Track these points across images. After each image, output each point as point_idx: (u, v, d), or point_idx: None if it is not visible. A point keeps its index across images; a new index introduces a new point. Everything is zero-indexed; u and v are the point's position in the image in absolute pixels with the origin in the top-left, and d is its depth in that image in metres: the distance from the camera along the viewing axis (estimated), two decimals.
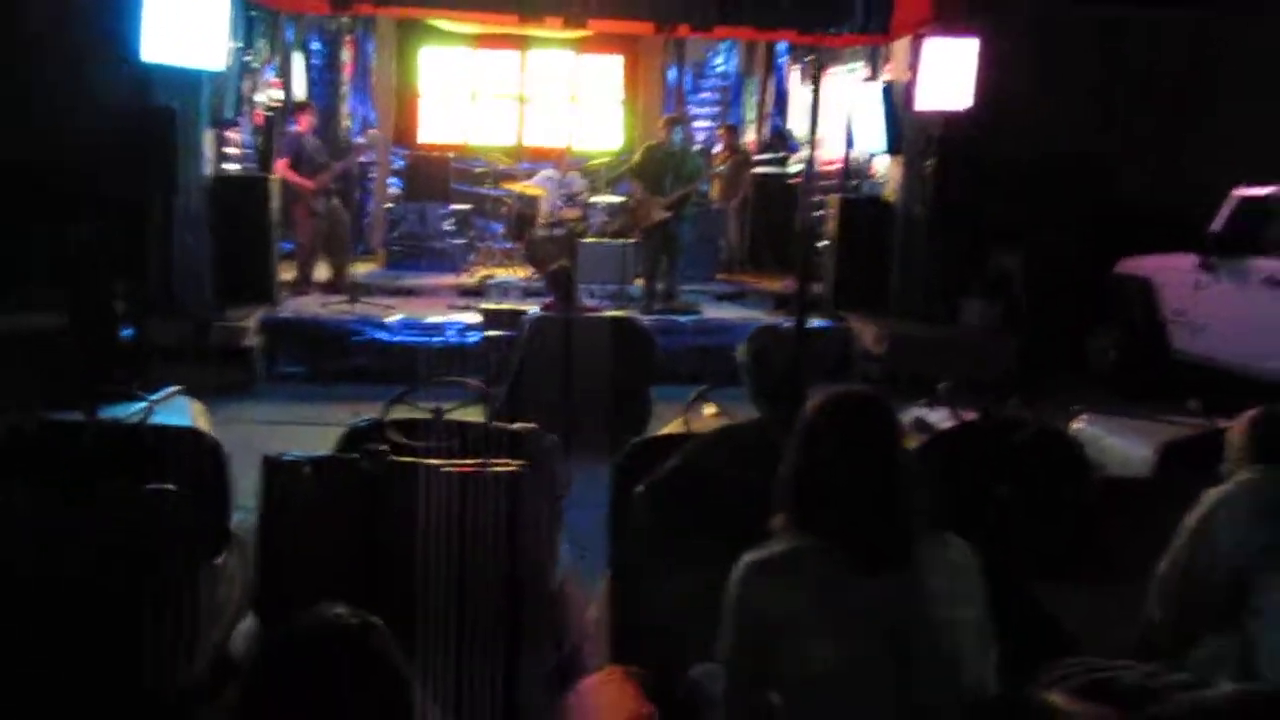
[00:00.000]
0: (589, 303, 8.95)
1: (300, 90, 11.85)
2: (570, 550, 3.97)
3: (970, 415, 3.89)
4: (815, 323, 9.12)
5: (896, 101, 9.03)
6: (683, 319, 8.87)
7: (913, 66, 8.82)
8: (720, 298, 10.33)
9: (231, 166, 9.43)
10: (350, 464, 3.18)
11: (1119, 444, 4.50)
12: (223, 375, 7.51)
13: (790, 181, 11.74)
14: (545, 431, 4.01)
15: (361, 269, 11.13)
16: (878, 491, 2.02)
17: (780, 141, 12.34)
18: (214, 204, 8.37)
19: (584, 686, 2.37)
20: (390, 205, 11.55)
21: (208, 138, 8.39)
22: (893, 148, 9.14)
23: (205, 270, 8.14)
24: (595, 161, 11.88)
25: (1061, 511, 3.72)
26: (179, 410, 4.28)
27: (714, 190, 12.27)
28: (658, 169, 9.30)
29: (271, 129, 10.45)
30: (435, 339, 8.29)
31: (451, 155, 11.89)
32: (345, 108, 12.47)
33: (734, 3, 8.36)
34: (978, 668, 2.02)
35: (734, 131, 12.30)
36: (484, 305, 8.08)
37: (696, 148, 13.00)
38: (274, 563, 3.31)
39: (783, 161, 12.12)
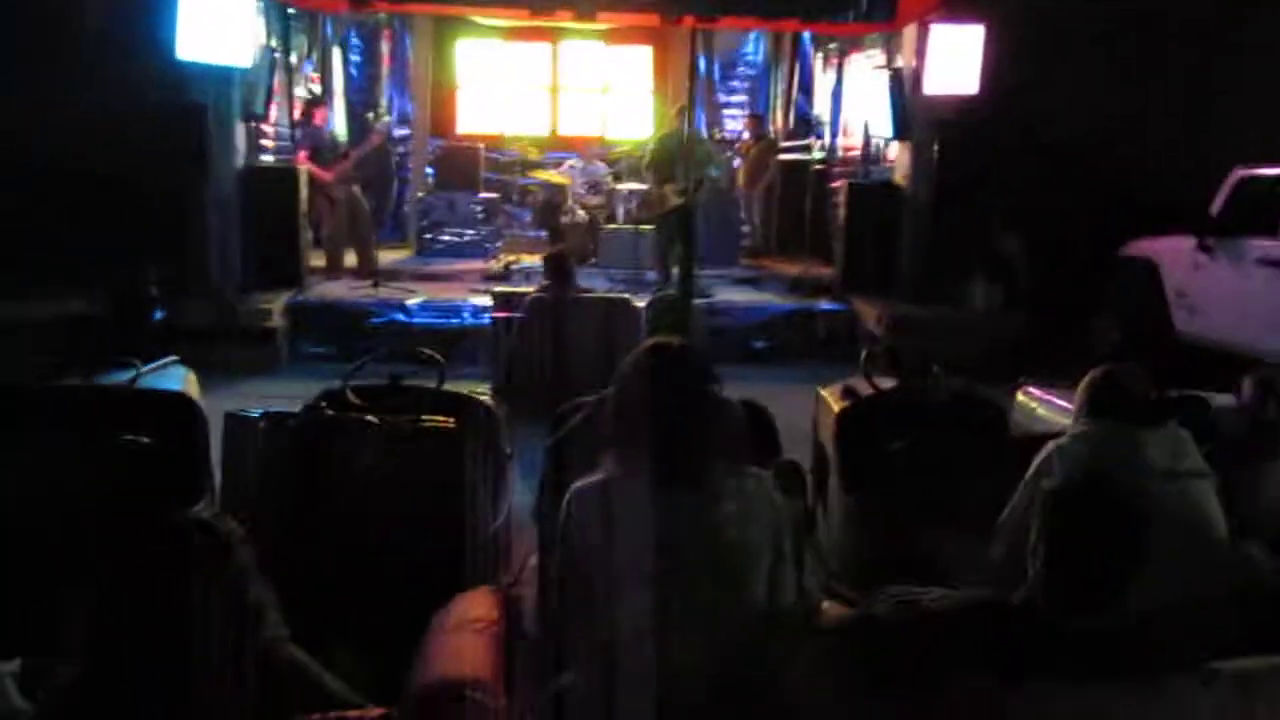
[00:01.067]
0: (598, 286, 9.30)
1: (339, 84, 12.35)
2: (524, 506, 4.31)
3: (888, 383, 4.14)
4: (822, 305, 9.38)
5: (904, 88, 9.19)
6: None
7: (919, 53, 8.98)
8: (738, 281, 10.57)
9: (268, 158, 9.94)
10: (293, 418, 3.54)
11: (1051, 412, 4.71)
12: (249, 355, 7.98)
13: (815, 167, 11.94)
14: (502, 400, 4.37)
15: (394, 255, 11.59)
16: (673, 425, 2.30)
17: (805, 128, 12.52)
18: (246, 193, 8.84)
19: (454, 603, 2.68)
20: (421, 195, 11.98)
21: (239, 131, 8.86)
22: (900, 133, 9.31)
23: (236, 256, 8.61)
24: (619, 150, 12.18)
25: (973, 467, 3.96)
26: (174, 378, 4.70)
27: (739, 177, 12.55)
28: (670, 157, 9.58)
29: (309, 121, 10.92)
30: (452, 320, 8.67)
31: (482, 145, 12.27)
32: (383, 100, 12.94)
33: None
34: (766, 584, 2.30)
35: (759, 119, 12.52)
36: (495, 289, 8.41)
37: (727, 136, 13.27)
38: (232, 507, 3.69)
39: (807, 148, 12.31)
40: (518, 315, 7.27)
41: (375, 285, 9.16)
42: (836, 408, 4.23)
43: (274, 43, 9.82)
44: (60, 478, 3.64)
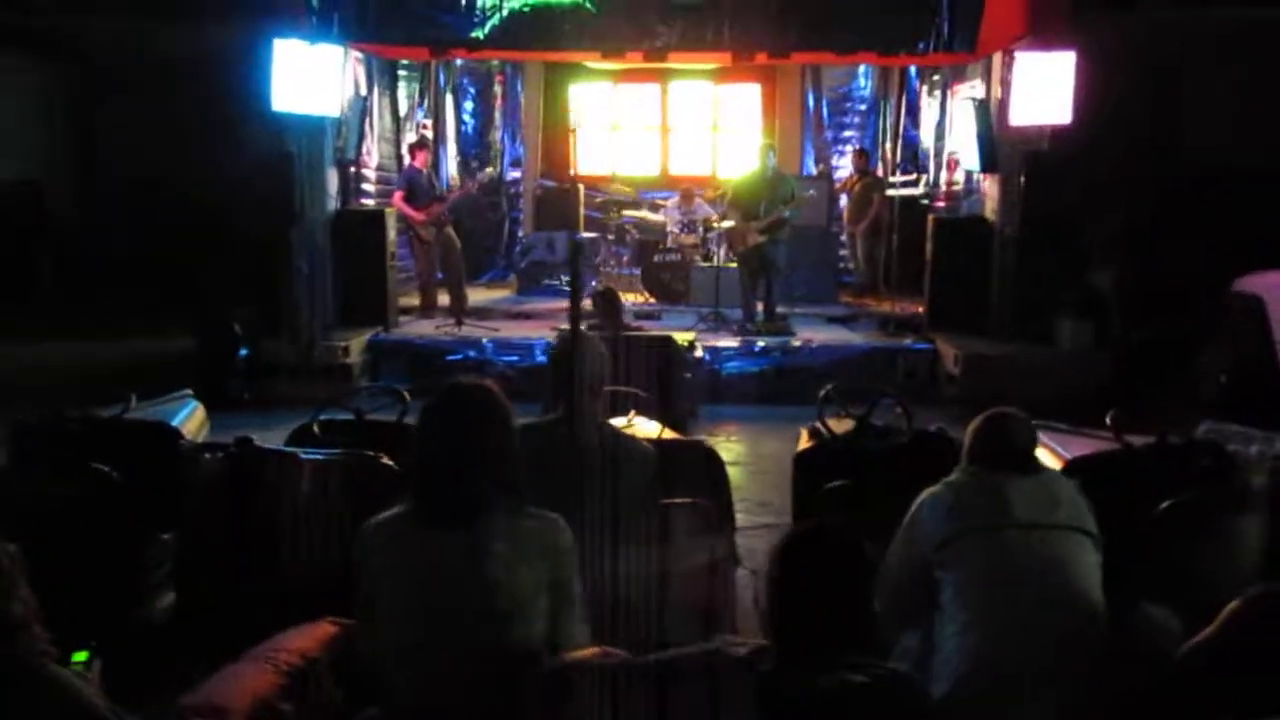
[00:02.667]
0: (682, 324, 9.34)
1: (450, 129, 12.84)
2: None
3: (844, 423, 3.99)
4: (905, 344, 9.08)
5: (991, 118, 8.87)
6: (763, 341, 9.00)
7: (1004, 82, 8.66)
8: (831, 320, 10.36)
9: (369, 201, 10.38)
10: (224, 453, 3.67)
11: (1044, 455, 4.43)
12: (325, 390, 8.30)
13: (919, 203, 11.63)
14: None
15: (495, 294, 11.92)
16: (448, 464, 2.30)
17: (912, 163, 12.21)
18: (337, 236, 9.26)
19: (285, 633, 2.72)
20: (523, 235, 12.26)
21: (331, 176, 9.29)
22: (987, 165, 8.97)
23: (325, 296, 8.99)
24: (717, 190, 12.17)
25: None
26: (182, 411, 4.95)
27: (845, 213, 12.35)
28: (752, 194, 9.51)
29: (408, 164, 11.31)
30: (524, 358, 8.81)
31: (583, 185, 12.49)
32: (496, 144, 13.35)
33: (811, 29, 8.46)
34: (535, 625, 2.25)
35: (864, 155, 12.28)
36: (559, 327, 8.51)
37: (840, 173, 13.05)
38: (185, 540, 3.86)
39: (914, 183, 12.00)
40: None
41: (459, 324, 9.41)
42: (796, 450, 4.11)
43: (370, 91, 10.31)
44: (39, 502, 3.88)
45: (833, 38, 8.54)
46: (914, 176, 12.03)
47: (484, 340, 9.06)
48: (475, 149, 13.26)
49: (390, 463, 3.76)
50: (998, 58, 8.87)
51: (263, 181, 8.90)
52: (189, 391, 5.11)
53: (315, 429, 4.20)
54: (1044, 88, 8.43)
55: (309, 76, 8.68)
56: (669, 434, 4.47)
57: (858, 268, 12.27)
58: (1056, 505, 2.62)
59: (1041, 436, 4.66)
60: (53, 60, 11.56)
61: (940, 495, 2.70)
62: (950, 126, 11.04)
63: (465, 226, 10.69)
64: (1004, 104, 8.72)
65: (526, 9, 8.58)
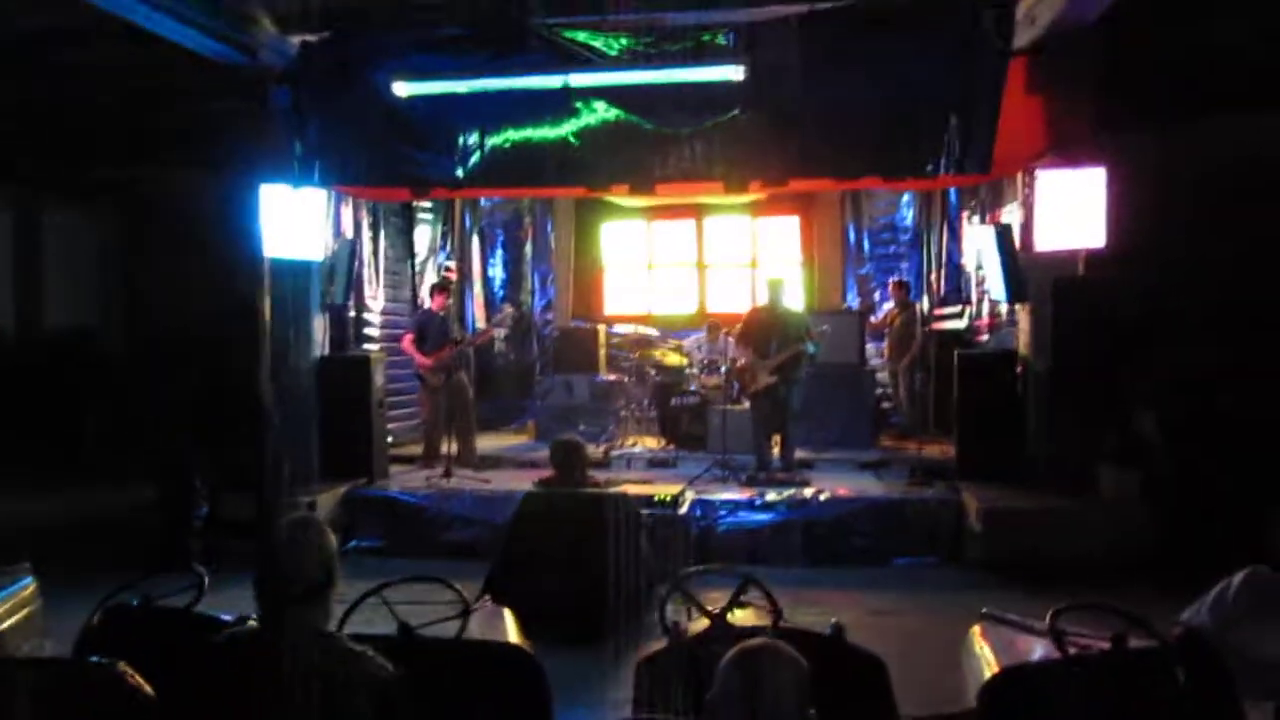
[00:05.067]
0: (692, 472, 8.62)
1: (476, 271, 12.53)
2: None
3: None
4: (929, 495, 8.13)
5: (1013, 244, 8.07)
6: (771, 493, 8.14)
7: (1026, 204, 7.90)
8: (862, 466, 9.46)
9: (373, 346, 10.00)
10: None
11: (984, 658, 3.54)
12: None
13: (966, 336, 10.76)
14: None
15: (514, 440, 11.35)
16: None
17: (957, 294, 11.38)
18: (323, 383, 8.83)
19: None
20: (539, 378, 11.75)
21: (319, 322, 8.93)
22: (1014, 295, 8.12)
23: (304, 446, 8.52)
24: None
25: None
26: (16, 585, 4.42)
27: (886, 350, 11.54)
28: (763, 332, 8.82)
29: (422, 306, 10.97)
30: (498, 516, 8.10)
31: (603, 326, 11.98)
32: (527, 286, 12.98)
33: (809, 155, 7.85)
34: None
35: (904, 287, 11.49)
36: (534, 481, 7.85)
37: (884, 307, 12.26)
38: None
39: (960, 315, 11.15)
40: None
41: (446, 475, 8.81)
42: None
43: (376, 233, 10.08)
44: None
45: (833, 163, 7.89)
46: (958, 309, 11.19)
47: (468, 493, 8.41)
48: (505, 291, 12.92)
49: (129, 673, 3.10)
50: (1019, 178, 8.12)
51: (241, 330, 8.62)
52: (26, 565, 4.56)
53: (95, 620, 3.58)
54: (1072, 209, 7.64)
55: (295, 221, 8.44)
56: (513, 633, 3.72)
57: (900, 408, 11.37)
58: None
59: (989, 630, 3.79)
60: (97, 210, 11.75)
61: None
62: (984, 255, 10.24)
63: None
64: (1028, 227, 7.94)
65: (508, 145, 8.21)
